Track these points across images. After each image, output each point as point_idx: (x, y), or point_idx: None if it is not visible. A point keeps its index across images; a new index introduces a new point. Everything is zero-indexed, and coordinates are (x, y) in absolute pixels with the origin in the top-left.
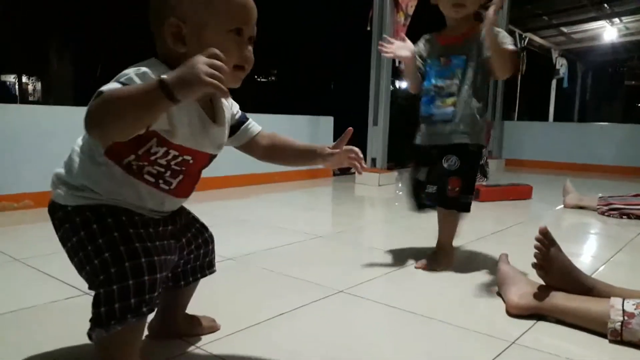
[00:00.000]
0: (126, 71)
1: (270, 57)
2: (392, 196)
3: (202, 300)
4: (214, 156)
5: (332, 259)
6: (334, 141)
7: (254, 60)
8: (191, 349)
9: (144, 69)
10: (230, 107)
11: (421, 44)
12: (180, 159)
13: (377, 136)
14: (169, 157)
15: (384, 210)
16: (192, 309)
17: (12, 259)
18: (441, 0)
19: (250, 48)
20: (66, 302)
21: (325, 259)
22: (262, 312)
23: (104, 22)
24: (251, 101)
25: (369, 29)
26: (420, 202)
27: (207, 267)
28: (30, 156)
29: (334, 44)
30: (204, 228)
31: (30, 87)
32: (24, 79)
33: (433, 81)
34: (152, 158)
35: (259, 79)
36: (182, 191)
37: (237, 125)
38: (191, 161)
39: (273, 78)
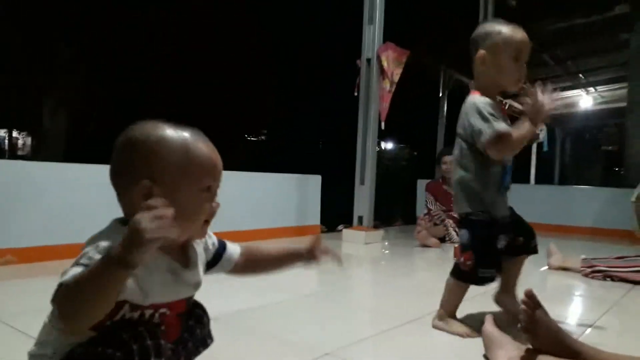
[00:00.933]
0: (86, 249)
1: (260, 117)
2: (378, 255)
3: None
4: (192, 297)
5: (318, 319)
6: (320, 199)
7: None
8: None
9: (103, 244)
10: (204, 242)
11: None
12: (156, 314)
13: (364, 195)
14: (145, 317)
15: (371, 269)
16: None
17: None
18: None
19: (217, 200)
20: None
21: (312, 319)
22: None
23: (96, 78)
24: (241, 159)
25: (356, 94)
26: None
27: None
28: (17, 211)
29: (323, 106)
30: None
31: (20, 142)
32: (14, 133)
33: None
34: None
35: (249, 138)
36: (170, 336)
37: (217, 256)
38: (167, 312)
39: (263, 137)
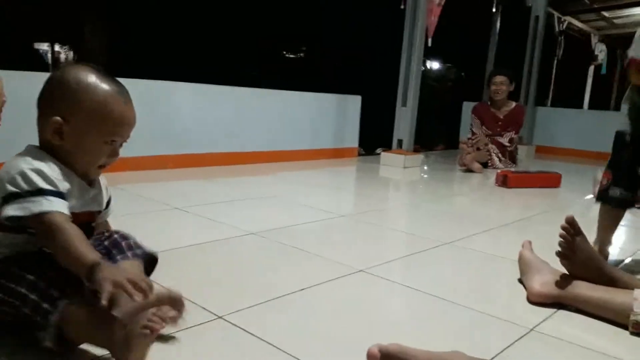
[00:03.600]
0: (21, 168)
1: (299, 34)
2: (417, 179)
3: (223, 272)
4: (99, 212)
5: (353, 239)
6: (359, 120)
7: (116, 158)
8: (212, 318)
9: (36, 164)
10: (106, 189)
11: None
12: None
13: (405, 117)
14: None
15: (408, 193)
16: (216, 277)
17: None
18: None
19: (119, 151)
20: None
21: (347, 239)
22: (282, 286)
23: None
24: (278, 77)
25: (403, 6)
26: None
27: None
28: None
29: (365, 21)
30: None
31: (62, 56)
32: (57, 47)
33: None
34: None
35: (286, 55)
36: None
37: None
38: (71, 219)
39: (301, 54)
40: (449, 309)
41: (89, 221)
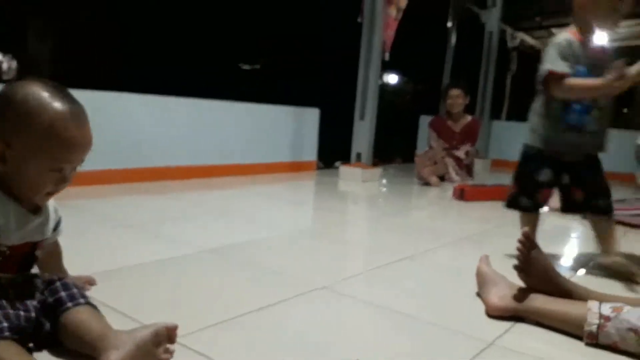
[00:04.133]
0: None
1: (255, 45)
2: (375, 193)
3: (176, 291)
4: (40, 240)
5: (313, 254)
6: (318, 134)
7: (69, 183)
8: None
9: None
10: (55, 211)
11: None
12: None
13: (364, 131)
14: None
15: (367, 207)
16: (168, 298)
17: None
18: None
19: (69, 177)
20: None
21: (308, 254)
22: (240, 305)
23: (92, 3)
24: (234, 89)
25: (359, 20)
26: (537, 202)
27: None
28: None
29: (322, 33)
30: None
31: (4, 66)
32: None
33: None
34: None
35: (242, 67)
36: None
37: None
38: (7, 252)
39: (257, 66)
40: (411, 324)
41: (31, 252)
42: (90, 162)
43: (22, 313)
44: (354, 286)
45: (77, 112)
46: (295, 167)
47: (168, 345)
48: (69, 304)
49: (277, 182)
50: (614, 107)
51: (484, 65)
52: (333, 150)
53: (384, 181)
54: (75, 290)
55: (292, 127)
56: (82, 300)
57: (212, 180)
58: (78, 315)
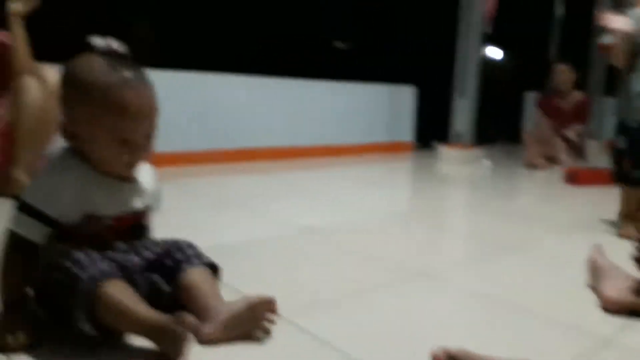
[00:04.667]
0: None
1: (349, 22)
2: (477, 175)
3: (276, 269)
4: (139, 210)
5: (411, 239)
6: (414, 112)
7: (146, 150)
8: None
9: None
10: (154, 181)
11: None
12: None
13: (463, 109)
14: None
15: (468, 191)
16: (271, 275)
17: None
18: None
19: (145, 144)
20: None
21: (404, 239)
22: (342, 286)
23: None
24: (327, 69)
25: None
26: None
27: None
28: None
29: (419, 6)
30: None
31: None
32: (110, 41)
33: None
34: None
35: (337, 46)
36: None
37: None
38: (112, 224)
39: (351, 44)
40: (515, 314)
41: (137, 223)
42: (193, 142)
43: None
44: (454, 274)
45: (133, 80)
46: (390, 148)
47: (269, 315)
48: (184, 265)
49: (373, 163)
50: None
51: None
52: (431, 130)
53: (486, 163)
54: (190, 252)
55: (388, 106)
56: (196, 261)
57: (306, 161)
58: (191, 277)
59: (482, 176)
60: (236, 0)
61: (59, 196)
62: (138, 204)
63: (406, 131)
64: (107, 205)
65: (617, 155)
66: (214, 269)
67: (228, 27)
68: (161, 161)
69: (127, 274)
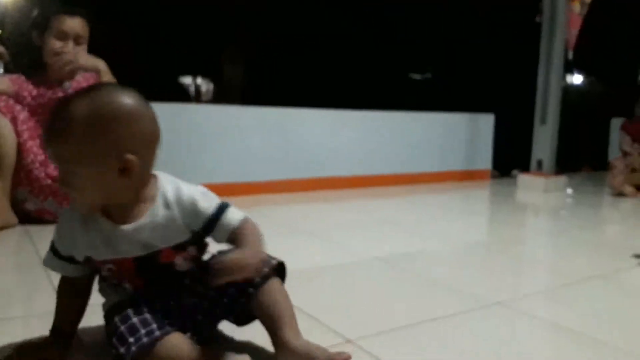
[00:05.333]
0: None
1: (425, 54)
2: (560, 204)
3: (349, 295)
4: (148, 257)
5: (488, 268)
6: (492, 140)
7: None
8: (341, 341)
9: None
10: (162, 196)
11: None
12: (104, 270)
13: (545, 136)
14: (103, 272)
15: (549, 220)
16: (342, 301)
17: None
18: None
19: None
20: None
21: (481, 268)
22: (410, 315)
23: (269, 27)
24: (404, 99)
25: (538, 20)
26: None
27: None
28: (206, 150)
29: (497, 34)
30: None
31: (203, 88)
32: (199, 80)
33: None
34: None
35: (412, 77)
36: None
37: (213, 221)
38: (114, 268)
39: (428, 75)
40: (598, 350)
41: (155, 261)
42: (275, 172)
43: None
44: (533, 304)
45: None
46: (466, 176)
47: None
48: (258, 279)
49: (448, 191)
50: None
51: None
52: (509, 158)
53: (570, 191)
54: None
55: (465, 134)
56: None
57: (381, 190)
58: (267, 296)
59: (565, 205)
60: (315, 41)
61: (65, 235)
62: (137, 249)
63: (484, 159)
64: (100, 250)
65: None
66: (280, 268)
67: (309, 65)
68: (245, 190)
69: (182, 320)
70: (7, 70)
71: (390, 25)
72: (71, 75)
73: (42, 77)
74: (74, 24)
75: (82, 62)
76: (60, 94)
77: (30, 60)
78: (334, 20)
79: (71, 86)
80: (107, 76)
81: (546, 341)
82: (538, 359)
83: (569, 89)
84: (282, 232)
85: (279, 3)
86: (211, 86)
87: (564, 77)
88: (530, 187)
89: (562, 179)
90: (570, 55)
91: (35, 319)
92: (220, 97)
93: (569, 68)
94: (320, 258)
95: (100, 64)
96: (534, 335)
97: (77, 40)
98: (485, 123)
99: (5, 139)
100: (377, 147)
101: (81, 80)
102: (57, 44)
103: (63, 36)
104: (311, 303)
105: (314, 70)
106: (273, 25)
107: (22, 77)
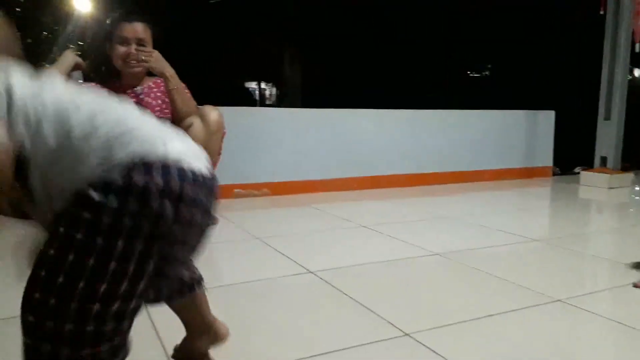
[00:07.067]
0: None
1: (483, 51)
2: (625, 201)
3: (409, 290)
4: None
5: (548, 266)
6: (553, 136)
7: None
8: (399, 335)
9: None
10: None
11: None
12: None
13: (610, 132)
14: None
15: (614, 217)
16: (401, 295)
17: (252, 236)
18: None
19: None
20: (292, 278)
21: (541, 265)
22: (474, 309)
23: (333, 37)
24: (463, 98)
25: (602, 12)
26: None
27: None
28: (269, 150)
29: (559, 28)
30: None
31: (267, 92)
32: (263, 85)
33: None
34: None
35: (471, 75)
36: None
37: None
38: None
39: (486, 73)
40: None
41: None
42: (329, 171)
43: None
44: (595, 302)
45: None
46: (527, 174)
47: None
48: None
49: (508, 188)
50: None
51: None
52: (572, 155)
53: (637, 188)
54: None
55: (525, 131)
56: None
57: (440, 187)
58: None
59: (630, 201)
60: (374, 42)
61: None
62: None
63: (544, 156)
64: None
65: None
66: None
67: (367, 66)
68: (301, 188)
69: None
70: (86, 80)
71: (449, 24)
72: (141, 79)
73: (116, 83)
74: (134, 29)
75: (151, 64)
76: (132, 99)
77: (106, 69)
78: (394, 22)
79: (143, 91)
80: (175, 82)
81: (608, 340)
82: (595, 352)
83: (633, 83)
84: (343, 227)
85: (338, 13)
86: (274, 90)
87: (630, 71)
88: (593, 183)
89: (628, 176)
90: (637, 48)
91: None
92: (282, 100)
93: (633, 61)
94: (379, 253)
95: (168, 70)
96: (594, 332)
97: (139, 44)
98: (546, 120)
99: None
100: (436, 146)
101: (152, 86)
102: (120, 49)
103: (125, 41)
104: (370, 297)
105: (374, 72)
106: (333, 30)
107: (97, 85)
